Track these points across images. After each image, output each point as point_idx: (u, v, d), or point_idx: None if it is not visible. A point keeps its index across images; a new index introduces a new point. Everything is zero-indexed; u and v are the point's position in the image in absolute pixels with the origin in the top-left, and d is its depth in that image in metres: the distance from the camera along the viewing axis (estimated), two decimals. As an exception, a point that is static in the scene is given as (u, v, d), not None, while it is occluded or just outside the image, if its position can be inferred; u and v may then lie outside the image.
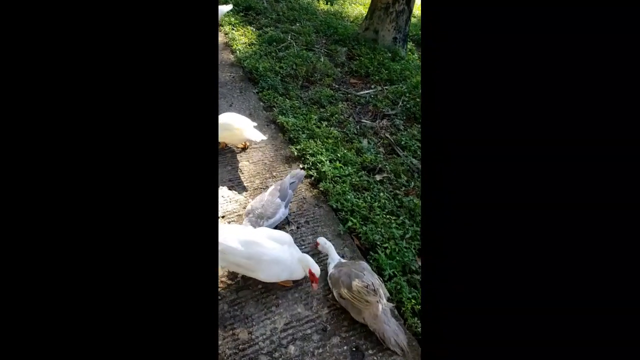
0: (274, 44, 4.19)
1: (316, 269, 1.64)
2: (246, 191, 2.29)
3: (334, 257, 1.81)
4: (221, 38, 4.32)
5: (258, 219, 1.92)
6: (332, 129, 2.93)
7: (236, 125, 2.40)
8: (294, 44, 4.25)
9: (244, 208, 2.14)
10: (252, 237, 1.63)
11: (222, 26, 4.55)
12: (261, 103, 3.18)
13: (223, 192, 2.25)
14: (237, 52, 3.92)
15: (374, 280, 1.61)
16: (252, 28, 4.56)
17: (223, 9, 4.31)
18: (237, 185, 2.32)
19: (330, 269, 1.76)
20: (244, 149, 2.63)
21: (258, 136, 2.41)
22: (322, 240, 1.88)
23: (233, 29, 4.51)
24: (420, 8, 6.13)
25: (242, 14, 4.98)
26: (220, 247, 1.56)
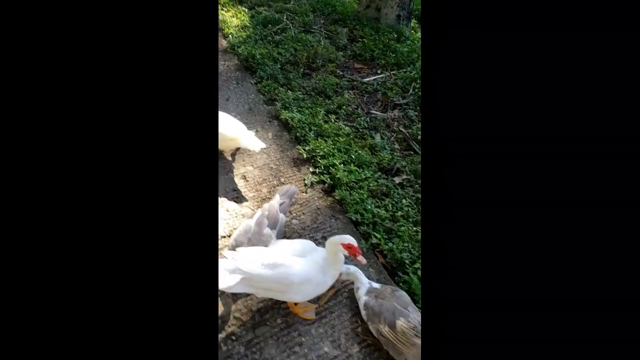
0: (269, 26, 3.82)
1: (352, 241, 1.42)
2: (254, 202, 2.03)
3: (364, 282, 1.58)
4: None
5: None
6: (341, 123, 2.66)
7: (229, 135, 2.05)
8: (291, 25, 3.89)
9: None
10: (275, 257, 1.41)
11: (211, 7, 4.16)
12: (261, 96, 2.86)
13: (227, 205, 1.99)
14: (230, 36, 3.56)
15: (420, 318, 1.41)
16: (243, 8, 4.16)
17: None
18: (242, 196, 2.05)
19: (363, 296, 1.53)
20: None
21: (257, 145, 2.10)
22: (344, 268, 1.61)
23: (223, 9, 4.12)
24: (420, -19, 5.74)
25: (231, -8, 4.57)
26: (245, 275, 1.35)
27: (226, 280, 1.34)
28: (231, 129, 2.09)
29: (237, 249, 1.44)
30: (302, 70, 3.23)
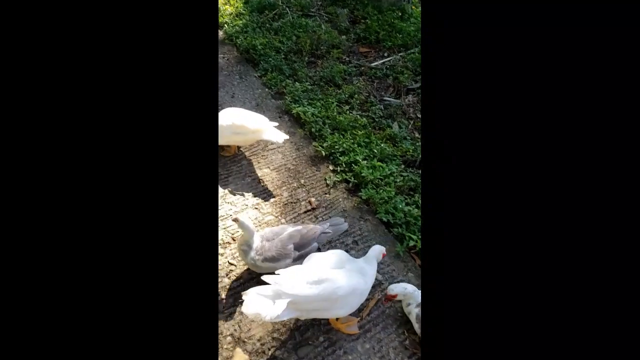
0: (265, 12, 3.60)
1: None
2: (276, 208, 1.90)
3: (418, 299, 1.46)
4: (202, 9, 3.71)
5: (258, 257, 1.49)
6: (355, 114, 2.51)
7: (251, 127, 1.95)
8: (288, 10, 3.67)
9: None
10: (319, 273, 1.31)
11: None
12: (267, 89, 2.69)
13: (251, 213, 1.86)
14: (225, 26, 3.34)
15: None
16: (235, -5, 3.92)
17: None
18: (263, 202, 1.92)
19: (415, 309, 1.43)
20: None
21: (279, 137, 1.99)
22: (398, 288, 1.46)
23: (214, -3, 3.88)
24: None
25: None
26: (292, 299, 1.25)
27: (273, 310, 1.23)
28: (253, 121, 1.97)
29: (278, 272, 1.33)
30: (306, 58, 3.04)
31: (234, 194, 1.94)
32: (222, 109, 2.12)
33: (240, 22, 3.37)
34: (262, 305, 1.23)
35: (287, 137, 2.00)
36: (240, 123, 1.95)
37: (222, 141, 2.01)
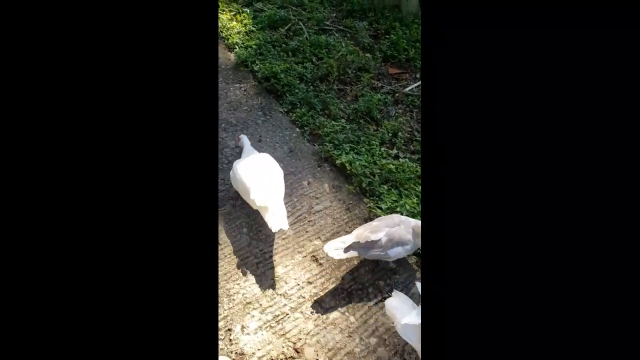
0: (278, 28, 3.18)
1: None
2: (340, 300, 1.51)
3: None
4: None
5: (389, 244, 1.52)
6: (404, 158, 2.14)
7: (257, 204, 1.57)
8: (302, 24, 3.25)
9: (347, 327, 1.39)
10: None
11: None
12: (298, 129, 2.30)
13: (307, 310, 1.48)
14: (237, 48, 2.90)
15: None
16: (243, 8, 3.47)
17: None
18: (322, 292, 1.53)
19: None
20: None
21: (277, 225, 1.53)
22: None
23: (221, 13, 3.41)
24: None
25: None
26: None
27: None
28: (261, 196, 1.57)
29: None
30: (335, 85, 2.65)
31: (286, 282, 1.56)
32: (250, 156, 1.78)
33: (253, 42, 2.94)
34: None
35: (285, 227, 1.54)
36: (249, 194, 1.59)
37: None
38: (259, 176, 1.64)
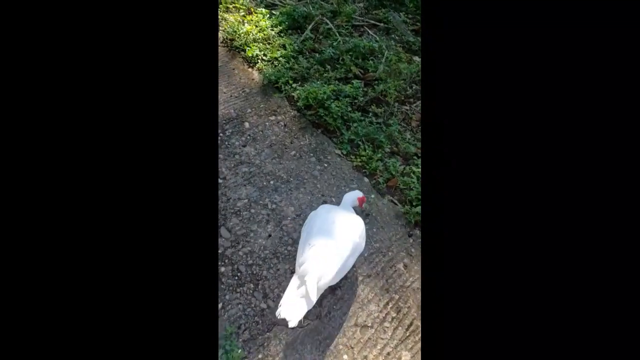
0: (302, 28, 2.54)
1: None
2: None
3: None
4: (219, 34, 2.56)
5: None
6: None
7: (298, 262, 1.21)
8: (329, 22, 2.62)
9: None
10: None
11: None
12: (366, 179, 1.74)
13: None
14: (259, 62, 2.28)
15: None
16: (252, 4, 2.79)
17: None
18: None
19: None
20: None
21: (294, 318, 1.10)
22: None
23: (227, 13, 2.73)
24: None
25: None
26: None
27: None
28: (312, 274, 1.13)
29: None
30: (395, 109, 2.09)
31: None
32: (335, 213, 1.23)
33: (277, 52, 2.31)
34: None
35: (292, 324, 1.09)
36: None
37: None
38: (320, 245, 1.18)
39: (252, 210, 1.57)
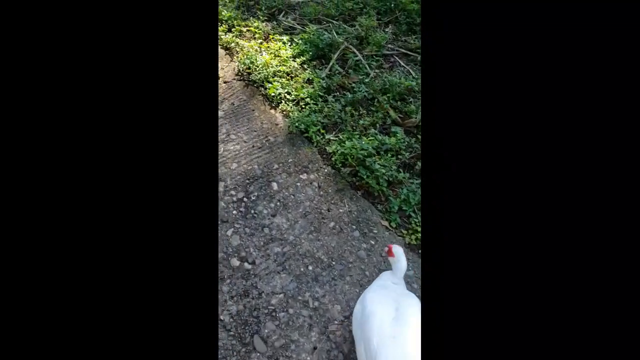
0: (327, 57, 2.22)
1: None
2: None
3: None
4: (227, 62, 2.22)
5: None
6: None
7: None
8: (357, 52, 2.30)
9: None
10: None
11: (221, 34, 2.38)
12: (416, 255, 1.49)
13: None
14: (283, 103, 1.96)
15: None
16: (262, 23, 2.46)
17: None
18: None
19: None
20: None
21: None
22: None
23: (239, 37, 2.39)
24: None
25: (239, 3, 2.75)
26: None
27: None
28: None
29: None
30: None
31: None
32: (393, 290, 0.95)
33: (304, 91, 1.99)
34: None
35: None
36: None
37: None
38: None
39: (291, 311, 1.26)
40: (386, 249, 1.24)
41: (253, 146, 1.77)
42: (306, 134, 1.81)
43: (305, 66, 2.20)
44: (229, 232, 1.45)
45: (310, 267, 1.37)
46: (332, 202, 1.59)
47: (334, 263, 1.39)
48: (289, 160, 1.73)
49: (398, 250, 1.18)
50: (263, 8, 2.66)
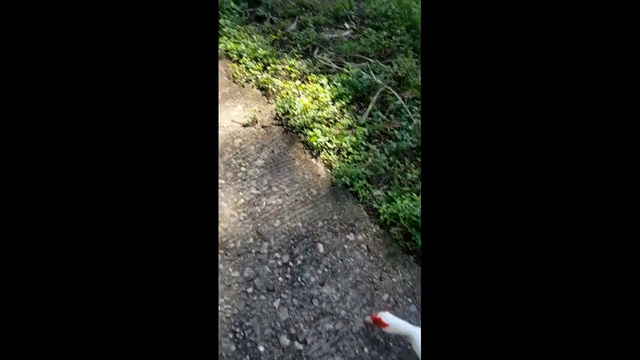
0: (367, 99, 2.13)
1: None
2: None
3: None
4: (264, 103, 2.14)
5: None
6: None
7: None
8: (396, 95, 2.21)
9: None
10: None
11: (248, 70, 2.31)
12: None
13: None
14: (323, 152, 1.87)
15: None
16: (303, 66, 2.38)
17: None
18: None
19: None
20: None
21: None
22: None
23: (275, 76, 2.32)
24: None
25: (253, 23, 2.69)
26: None
27: None
28: None
29: None
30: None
31: None
32: None
33: (345, 140, 1.89)
34: None
35: None
36: None
37: None
38: None
39: (349, 403, 1.15)
40: (369, 319, 1.24)
41: (296, 200, 1.67)
42: (351, 188, 1.71)
43: (344, 110, 2.11)
44: (276, 304, 1.34)
45: (365, 350, 1.25)
46: (384, 269, 1.47)
47: (391, 344, 1.27)
48: (334, 217, 1.62)
49: (389, 319, 1.19)
50: (298, 45, 2.60)
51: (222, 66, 2.41)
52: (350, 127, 2.01)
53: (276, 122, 2.06)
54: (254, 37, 2.62)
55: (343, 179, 1.71)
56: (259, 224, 1.57)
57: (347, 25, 2.94)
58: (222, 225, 1.55)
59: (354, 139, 1.91)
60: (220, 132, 1.98)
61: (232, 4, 2.89)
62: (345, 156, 1.85)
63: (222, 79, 2.32)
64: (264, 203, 1.66)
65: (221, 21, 2.68)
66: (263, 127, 2.04)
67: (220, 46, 2.48)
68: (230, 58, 2.45)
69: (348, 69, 2.36)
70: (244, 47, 2.47)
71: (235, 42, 2.52)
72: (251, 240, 1.52)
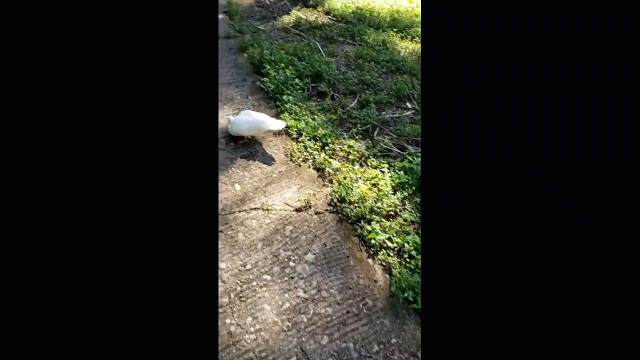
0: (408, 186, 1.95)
1: None
2: None
3: None
4: (319, 186, 2.01)
5: None
6: None
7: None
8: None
9: None
10: None
11: (299, 152, 2.24)
12: None
13: None
14: (382, 253, 1.65)
15: None
16: (362, 147, 2.27)
17: (268, 123, 2.27)
18: None
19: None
20: None
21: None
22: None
23: (332, 157, 2.23)
24: None
25: (314, 98, 2.67)
26: None
27: None
28: None
29: None
30: None
31: None
32: None
33: (407, 237, 1.67)
34: None
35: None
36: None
37: None
38: None
39: None
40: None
41: (348, 312, 1.44)
42: (414, 305, 1.46)
43: (406, 202, 1.91)
44: None
45: None
46: None
47: None
48: (392, 341, 1.36)
49: None
50: (358, 125, 2.52)
51: (282, 143, 2.36)
52: (413, 223, 1.79)
53: (331, 209, 1.90)
54: (315, 115, 2.59)
55: (404, 290, 1.47)
56: (303, 339, 1.35)
57: (409, 105, 2.85)
58: (263, 335, 1.35)
59: (417, 238, 1.68)
60: (272, 216, 1.85)
61: (297, 80, 2.94)
62: (408, 260, 1.61)
63: (280, 156, 2.25)
64: (312, 311, 1.44)
65: (284, 97, 2.70)
66: (317, 213, 1.88)
67: (282, 123, 2.47)
68: (289, 135, 2.42)
69: (410, 155, 2.20)
70: (304, 125, 2.43)
71: (295, 119, 2.49)
72: (294, 359, 1.30)
